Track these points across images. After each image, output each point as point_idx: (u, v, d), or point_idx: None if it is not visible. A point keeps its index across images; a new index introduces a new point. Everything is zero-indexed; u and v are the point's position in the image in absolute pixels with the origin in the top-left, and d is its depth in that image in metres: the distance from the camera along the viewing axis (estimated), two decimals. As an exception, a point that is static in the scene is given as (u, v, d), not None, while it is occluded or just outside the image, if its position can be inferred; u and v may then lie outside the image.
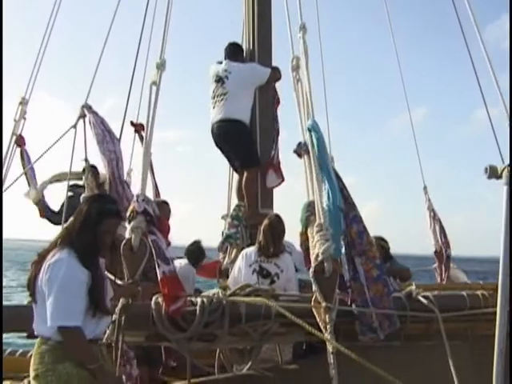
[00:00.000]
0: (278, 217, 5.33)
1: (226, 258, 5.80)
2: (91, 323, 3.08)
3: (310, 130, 4.15)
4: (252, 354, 4.14)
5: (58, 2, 6.36)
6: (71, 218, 3.32)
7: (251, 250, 5.23)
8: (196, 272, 6.09)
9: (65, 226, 3.43)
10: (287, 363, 4.36)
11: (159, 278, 3.74)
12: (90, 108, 5.46)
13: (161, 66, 4.37)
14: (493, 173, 2.52)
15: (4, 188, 5.83)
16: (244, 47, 6.37)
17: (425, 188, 7.46)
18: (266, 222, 5.21)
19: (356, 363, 3.34)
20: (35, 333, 3.14)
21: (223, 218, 6.71)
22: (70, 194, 6.19)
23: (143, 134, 6.72)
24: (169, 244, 4.09)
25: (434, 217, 7.31)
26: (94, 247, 3.17)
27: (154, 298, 3.80)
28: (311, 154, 4.10)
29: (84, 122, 5.44)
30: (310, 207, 4.04)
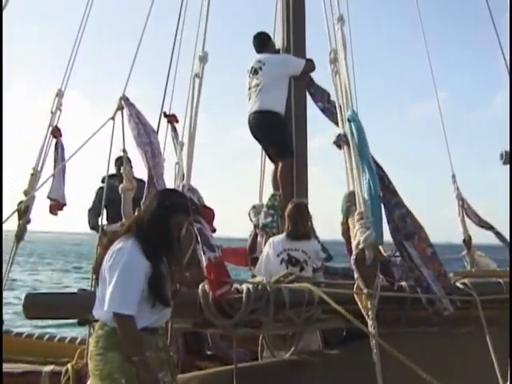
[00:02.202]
0: (301, 200, 5.42)
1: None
2: (148, 312, 3.15)
3: (349, 121, 4.25)
4: (294, 340, 4.27)
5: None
6: (141, 209, 3.43)
7: (278, 238, 5.24)
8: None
9: (133, 216, 3.54)
10: (330, 348, 4.47)
11: (205, 264, 3.88)
12: (127, 100, 5.54)
13: (203, 59, 4.49)
14: (508, 158, 2.53)
15: (39, 185, 5.99)
16: (278, 40, 6.43)
17: (453, 177, 7.42)
18: (290, 205, 5.23)
19: (397, 348, 3.44)
20: (94, 316, 3.25)
21: (254, 207, 6.79)
22: (101, 184, 6.35)
23: (175, 125, 6.87)
24: (214, 231, 4.20)
25: (463, 205, 7.32)
26: (159, 240, 3.23)
27: (200, 286, 3.93)
28: (351, 144, 4.19)
29: (122, 113, 5.53)
30: (350, 197, 4.12)
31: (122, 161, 5.95)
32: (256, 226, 5.98)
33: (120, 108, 5.53)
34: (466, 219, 7.33)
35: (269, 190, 6.46)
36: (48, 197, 6.24)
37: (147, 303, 3.13)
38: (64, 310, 3.98)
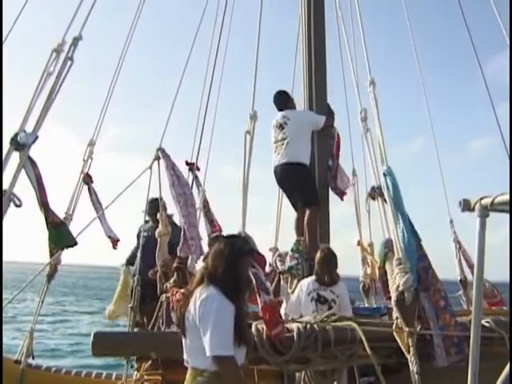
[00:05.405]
0: (329, 249, 5.90)
1: (287, 288, 6.24)
2: (237, 352, 3.35)
3: (385, 175, 4.66)
4: (335, 375, 4.64)
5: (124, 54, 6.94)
6: (209, 258, 3.71)
7: (309, 280, 5.76)
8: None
9: (203, 265, 3.79)
10: (367, 382, 4.83)
11: (260, 306, 4.24)
12: (163, 151, 5.98)
13: (253, 117, 4.93)
14: (466, 206, 2.77)
15: (75, 234, 6.26)
16: (299, 93, 6.99)
17: (451, 221, 8.00)
18: (319, 254, 5.75)
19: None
20: (189, 364, 3.43)
21: (271, 250, 7.18)
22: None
23: (197, 173, 7.27)
24: (266, 275, 4.57)
25: (460, 248, 7.89)
26: (235, 283, 3.46)
27: (253, 326, 4.30)
28: (386, 196, 4.62)
29: (158, 163, 5.96)
30: (387, 244, 4.55)
31: (154, 204, 6.39)
32: (281, 273, 6.36)
33: (157, 158, 5.97)
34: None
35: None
36: (108, 236, 6.78)
37: (235, 344, 3.33)
38: (130, 348, 4.28)
